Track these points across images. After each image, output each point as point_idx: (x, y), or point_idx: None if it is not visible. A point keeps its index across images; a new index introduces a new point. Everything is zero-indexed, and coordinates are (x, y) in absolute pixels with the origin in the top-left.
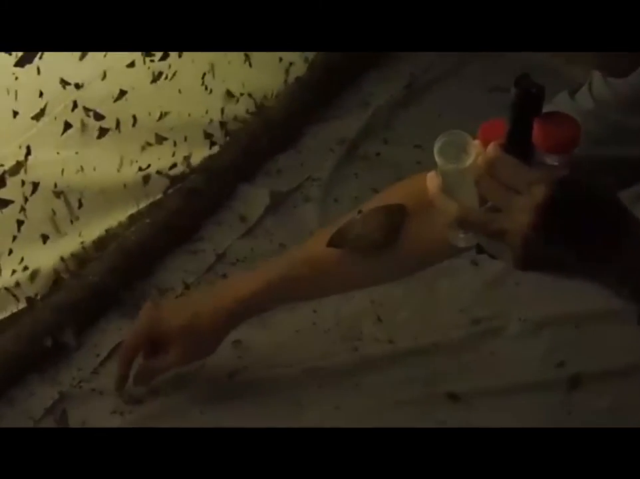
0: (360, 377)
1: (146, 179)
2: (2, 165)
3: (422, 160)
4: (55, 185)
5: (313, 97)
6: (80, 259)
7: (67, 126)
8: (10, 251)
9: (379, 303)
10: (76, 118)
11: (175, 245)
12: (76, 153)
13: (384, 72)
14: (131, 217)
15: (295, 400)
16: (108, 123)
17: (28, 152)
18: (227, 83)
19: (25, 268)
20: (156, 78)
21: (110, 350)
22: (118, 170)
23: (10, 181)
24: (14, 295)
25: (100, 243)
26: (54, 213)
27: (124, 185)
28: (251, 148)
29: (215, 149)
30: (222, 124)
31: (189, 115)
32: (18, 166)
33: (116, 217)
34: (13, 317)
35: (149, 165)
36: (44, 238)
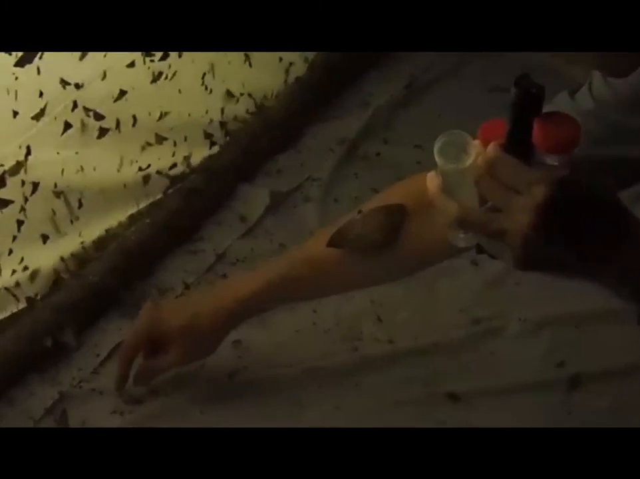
0: (360, 377)
1: (146, 179)
2: (2, 165)
3: (422, 160)
4: (55, 185)
5: (313, 97)
6: (80, 259)
7: (67, 126)
8: (10, 251)
9: (379, 302)
10: (76, 118)
11: (175, 245)
12: (76, 153)
13: (384, 72)
14: (131, 217)
15: (295, 400)
16: (108, 123)
17: (28, 152)
18: (227, 83)
19: (25, 268)
20: (155, 78)
21: (110, 350)
22: (118, 170)
23: (10, 181)
24: (14, 295)
25: (100, 243)
26: (54, 213)
27: (124, 185)
28: (251, 148)
29: (215, 149)
30: (222, 124)
31: (189, 115)
32: (18, 166)
33: (116, 217)
34: (13, 317)
35: (149, 166)
36: (44, 238)
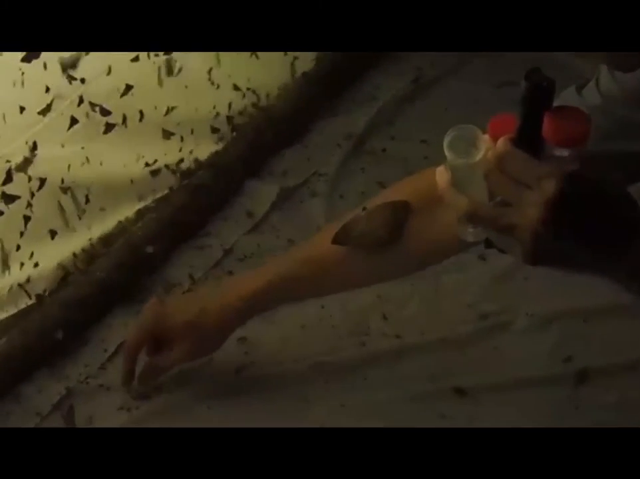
0: (367, 372)
1: (153, 174)
2: (9, 161)
3: (428, 155)
4: (62, 181)
5: (320, 92)
6: (88, 254)
7: (73, 121)
8: (19, 247)
9: (386, 298)
10: (82, 113)
11: (182, 240)
12: (82, 148)
13: (390, 66)
14: (138, 212)
15: (302, 396)
16: (115, 118)
17: (35, 148)
18: (233, 78)
19: (36, 264)
20: (161, 72)
21: (117, 346)
22: (125, 166)
23: (17, 176)
24: (25, 291)
25: (107, 239)
26: (61, 208)
27: (131, 181)
28: (258, 142)
29: (222, 144)
30: (229, 119)
31: (196, 110)
32: (26, 162)
33: (123, 213)
34: (21, 312)
35: (156, 161)
36: (52, 234)
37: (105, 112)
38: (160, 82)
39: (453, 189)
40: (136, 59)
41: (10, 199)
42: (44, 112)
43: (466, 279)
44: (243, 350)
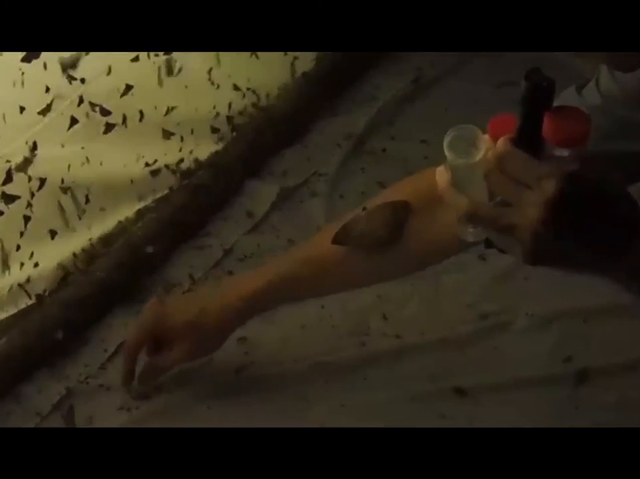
0: (367, 372)
1: (153, 174)
2: (9, 161)
3: (428, 155)
4: (62, 181)
5: (320, 92)
6: (88, 254)
7: (73, 121)
8: (18, 247)
9: (386, 298)
10: (82, 113)
11: (182, 240)
12: (82, 148)
13: (390, 66)
14: (138, 212)
15: (302, 396)
16: (115, 118)
17: (35, 148)
18: (233, 78)
19: (36, 264)
20: (161, 73)
21: (117, 346)
22: (125, 166)
23: (17, 176)
24: (25, 291)
25: (107, 239)
26: (61, 208)
27: (131, 181)
28: (258, 142)
29: (222, 144)
30: (229, 119)
31: (196, 110)
32: (26, 162)
33: (123, 213)
34: (21, 312)
35: (156, 161)
36: (52, 234)
37: (105, 112)
38: (160, 82)
39: (453, 189)
40: (136, 59)
41: (10, 199)
42: (44, 112)
43: (466, 279)
44: (243, 350)
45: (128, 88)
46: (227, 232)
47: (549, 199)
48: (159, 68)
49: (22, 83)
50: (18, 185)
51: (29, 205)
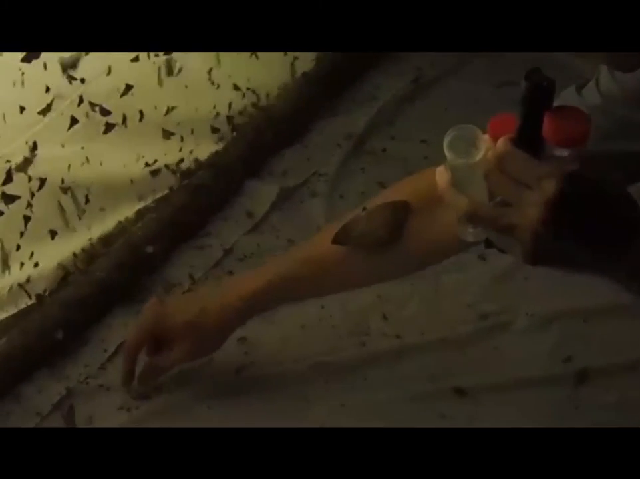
0: (367, 372)
1: (153, 174)
2: (9, 161)
3: (428, 155)
4: (62, 181)
5: (320, 92)
6: (88, 254)
7: (73, 121)
8: (18, 247)
9: (386, 298)
10: (82, 113)
11: (182, 240)
12: (82, 148)
13: (390, 66)
14: (138, 212)
15: (302, 396)
16: (115, 118)
17: (35, 148)
18: (233, 78)
19: (36, 264)
20: (161, 73)
21: (117, 346)
22: (125, 166)
23: (17, 176)
24: (25, 291)
25: (107, 239)
26: (61, 208)
27: (131, 181)
28: (258, 142)
29: (222, 144)
30: (229, 119)
31: (196, 110)
32: (26, 162)
33: (123, 213)
34: (21, 312)
35: (156, 161)
36: (52, 234)
37: (105, 112)
38: (160, 82)
39: (453, 189)
40: (136, 59)
41: (10, 199)
42: (44, 112)
43: (466, 279)
44: (243, 350)
45: (128, 88)
46: (227, 232)
47: (549, 199)
48: (159, 68)
49: (22, 83)
50: (18, 185)
51: (29, 205)
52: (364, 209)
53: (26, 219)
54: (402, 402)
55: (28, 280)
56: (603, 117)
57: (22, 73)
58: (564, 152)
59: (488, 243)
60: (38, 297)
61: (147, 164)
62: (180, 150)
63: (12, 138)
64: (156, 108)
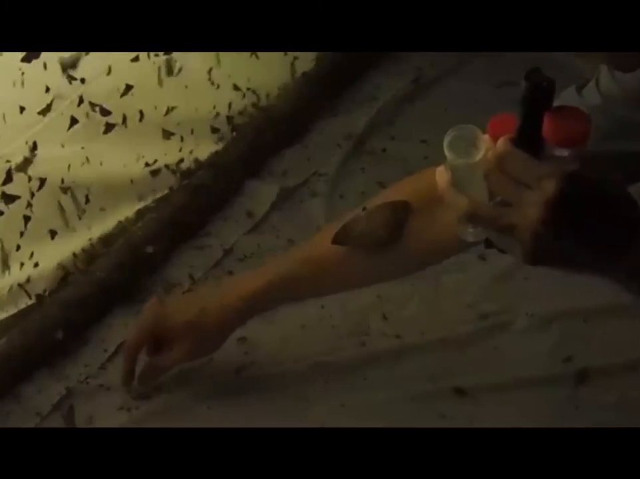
0: (367, 372)
1: (153, 174)
2: (9, 161)
3: (428, 155)
4: (62, 181)
5: (320, 92)
6: (88, 254)
7: (73, 121)
8: (18, 247)
9: (386, 298)
10: (82, 113)
11: (182, 240)
12: (82, 148)
13: (390, 66)
14: (138, 212)
15: (301, 396)
16: (115, 118)
17: (35, 148)
18: (233, 78)
19: (36, 264)
20: (161, 73)
21: (117, 346)
22: (125, 166)
23: (17, 176)
24: (25, 291)
25: (107, 239)
26: (61, 208)
27: (131, 181)
28: (258, 142)
29: (222, 144)
30: (229, 119)
31: (196, 110)
32: (26, 162)
33: (123, 213)
34: (21, 312)
35: (156, 161)
36: (52, 234)
37: (105, 112)
38: (160, 82)
39: (453, 189)
40: (136, 59)
41: (10, 199)
42: (44, 112)
43: (466, 279)
44: (243, 350)
45: (128, 88)
46: (227, 232)
47: (549, 199)
48: (159, 68)
49: (22, 83)
50: (18, 185)
51: (29, 205)
52: (364, 209)
53: (26, 219)
54: (402, 402)
55: (28, 280)
56: (603, 117)
57: (23, 73)
58: (564, 152)
59: (488, 243)
60: (38, 297)
61: (147, 164)
62: (180, 150)
63: (12, 138)
64: (156, 108)
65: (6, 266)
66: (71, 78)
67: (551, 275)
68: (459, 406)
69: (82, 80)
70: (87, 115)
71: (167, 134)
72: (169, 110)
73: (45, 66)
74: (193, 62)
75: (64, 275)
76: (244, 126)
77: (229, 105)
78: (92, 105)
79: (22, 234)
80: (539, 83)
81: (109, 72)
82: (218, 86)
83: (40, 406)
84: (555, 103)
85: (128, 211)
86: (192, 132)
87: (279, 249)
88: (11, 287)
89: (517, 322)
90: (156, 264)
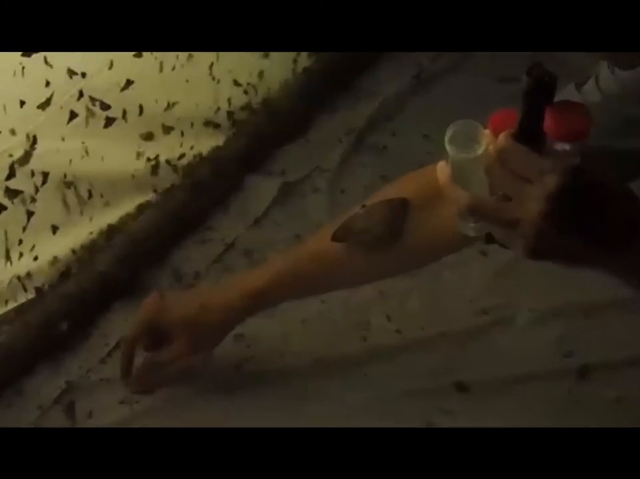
0: (368, 367)
1: (154, 169)
2: (11, 155)
3: (430, 150)
4: (65, 176)
5: (321, 87)
6: (89, 249)
7: (73, 115)
8: (21, 241)
9: (387, 293)
10: (82, 107)
11: (183, 235)
12: (83, 143)
13: (392, 62)
14: (139, 207)
15: (302, 390)
16: (115, 113)
17: (35, 142)
18: (234, 73)
19: (35, 258)
20: (162, 67)
21: (118, 340)
22: (126, 160)
23: (20, 171)
24: (23, 285)
25: (109, 234)
26: (64, 203)
27: (132, 176)
28: (259, 138)
29: (223, 139)
30: (229, 114)
31: (196, 105)
32: (27, 156)
33: (124, 208)
34: (23, 306)
35: (157, 156)
36: (54, 228)
37: (105, 107)
38: (161, 77)
39: (454, 184)
40: (138, 54)
41: (13, 194)
42: (44, 106)
43: (467, 274)
44: (243, 345)
45: (129, 82)
46: (229, 227)
47: (550, 194)
48: (160, 63)
49: (22, 77)
50: (21, 180)
51: (33, 199)
52: (363, 206)
53: (29, 213)
54: (403, 396)
55: (29, 274)
56: (603, 114)
57: (23, 67)
58: (565, 146)
59: (489, 238)
60: (39, 290)
61: (148, 159)
62: (181, 145)
63: (13, 132)
64: (156, 102)
65: (8, 260)
66: (72, 73)
67: (552, 271)
68: (460, 401)
69: (83, 75)
70: (87, 109)
71: (167, 129)
72: (169, 105)
73: (45, 60)
74: (194, 57)
75: (66, 269)
76: (245, 122)
77: (230, 100)
78: (92, 99)
79: (24, 228)
80: (541, 78)
81: (110, 67)
82: (219, 81)
83: (41, 400)
84: (556, 100)
85: (129, 206)
86: (193, 127)
87: (280, 244)
88: (12, 281)
89: (518, 318)
90: (157, 259)
